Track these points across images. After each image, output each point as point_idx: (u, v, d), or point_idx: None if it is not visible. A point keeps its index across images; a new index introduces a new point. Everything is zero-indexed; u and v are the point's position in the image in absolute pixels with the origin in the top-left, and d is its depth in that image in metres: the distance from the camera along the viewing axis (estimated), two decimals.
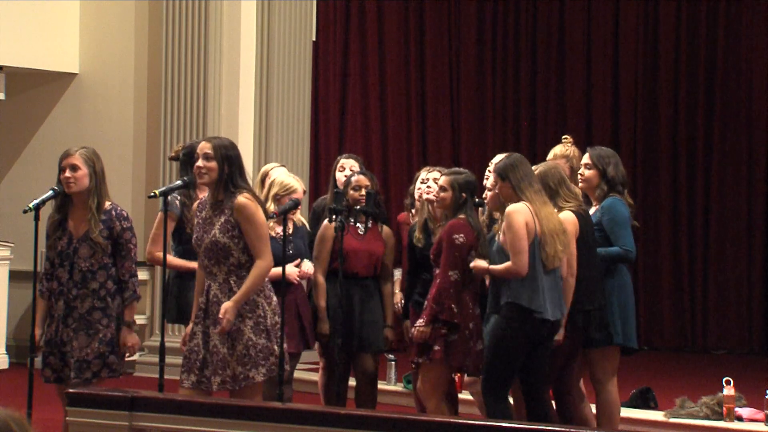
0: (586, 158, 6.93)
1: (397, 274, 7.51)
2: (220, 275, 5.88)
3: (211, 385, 5.82)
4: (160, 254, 6.38)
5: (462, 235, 6.48)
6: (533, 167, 6.62)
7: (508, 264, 6.25)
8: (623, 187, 6.89)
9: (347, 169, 7.52)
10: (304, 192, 7.16)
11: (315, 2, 11.65)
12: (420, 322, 6.53)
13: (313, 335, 7.11)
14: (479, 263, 6.41)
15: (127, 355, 6.16)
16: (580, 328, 6.54)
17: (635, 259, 7.03)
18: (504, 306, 6.28)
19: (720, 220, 13.01)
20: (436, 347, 6.49)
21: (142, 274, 10.48)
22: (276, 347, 5.90)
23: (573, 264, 6.46)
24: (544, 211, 6.30)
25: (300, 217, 7.24)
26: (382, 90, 12.80)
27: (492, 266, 6.34)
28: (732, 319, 12.84)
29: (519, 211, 6.25)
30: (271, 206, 6.88)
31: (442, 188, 6.69)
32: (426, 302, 6.58)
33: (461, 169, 6.87)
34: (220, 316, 5.77)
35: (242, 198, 5.85)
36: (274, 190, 6.98)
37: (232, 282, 5.86)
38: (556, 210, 6.45)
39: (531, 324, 6.24)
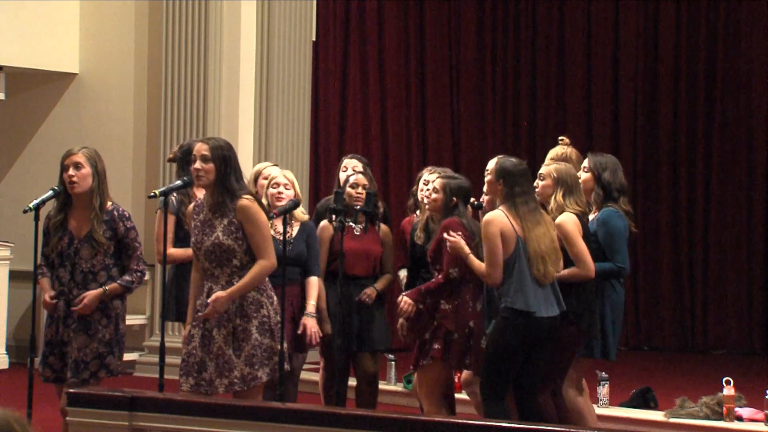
0: (585, 162, 6.97)
1: (402, 273, 7.49)
2: (222, 277, 5.88)
3: (214, 388, 5.82)
4: (169, 250, 6.41)
5: (459, 233, 6.51)
6: (548, 162, 6.72)
7: (484, 269, 6.31)
8: (620, 194, 6.90)
9: (350, 168, 7.54)
10: (291, 182, 7.10)
11: (315, 2, 11.65)
12: (408, 296, 6.58)
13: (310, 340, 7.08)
14: (461, 241, 6.41)
15: (76, 305, 6.04)
16: (586, 333, 6.54)
17: (630, 271, 7.03)
18: (502, 310, 6.29)
19: (720, 219, 13.00)
20: (436, 345, 6.50)
21: None
22: (279, 346, 5.92)
23: (588, 260, 6.46)
24: (536, 231, 6.29)
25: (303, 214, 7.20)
26: (382, 90, 12.80)
27: (473, 258, 6.38)
28: (732, 319, 12.84)
29: (493, 222, 6.28)
30: (265, 201, 6.90)
31: (434, 189, 6.73)
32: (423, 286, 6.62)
33: (457, 175, 6.92)
34: (209, 301, 5.79)
35: (245, 200, 5.86)
36: (265, 187, 7.01)
37: (234, 284, 5.87)
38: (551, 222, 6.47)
39: (530, 325, 6.24)
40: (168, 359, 6.48)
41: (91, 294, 6.05)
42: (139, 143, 11.26)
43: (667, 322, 13.03)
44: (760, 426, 7.87)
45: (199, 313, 5.84)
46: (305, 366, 9.74)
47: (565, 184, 6.60)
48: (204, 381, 5.85)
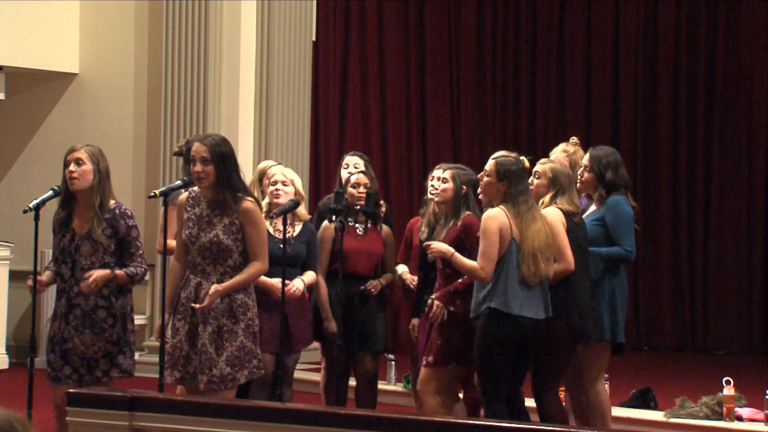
0: (585, 159, 6.90)
1: (401, 269, 7.46)
2: (214, 275, 5.91)
3: (196, 382, 5.87)
4: (170, 242, 6.41)
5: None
6: (543, 161, 6.71)
7: (475, 264, 6.23)
8: (626, 189, 6.85)
9: (351, 166, 7.52)
10: (290, 180, 7.07)
11: (315, 2, 11.65)
12: (439, 300, 6.54)
13: (303, 340, 7.05)
14: (439, 245, 6.39)
15: (85, 282, 6.00)
16: (576, 327, 6.51)
17: (635, 259, 7.01)
18: (484, 310, 6.25)
19: (720, 219, 13.00)
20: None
21: None
22: (258, 350, 5.97)
23: (567, 254, 6.43)
24: (532, 228, 6.26)
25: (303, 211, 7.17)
26: (382, 90, 12.80)
27: (459, 256, 6.32)
28: (732, 319, 12.84)
29: (494, 217, 6.23)
30: (264, 200, 6.89)
31: (444, 180, 6.70)
32: (447, 288, 6.57)
33: (465, 167, 6.89)
34: (210, 293, 5.80)
35: (249, 202, 5.92)
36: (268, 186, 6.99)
37: (225, 282, 5.89)
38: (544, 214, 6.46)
39: (509, 324, 6.20)
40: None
41: (100, 272, 6.01)
42: (139, 143, 11.25)
43: (667, 322, 13.03)
44: (760, 426, 7.87)
45: (195, 305, 5.85)
46: (305, 366, 9.78)
47: (559, 184, 6.57)
48: (188, 375, 5.91)
